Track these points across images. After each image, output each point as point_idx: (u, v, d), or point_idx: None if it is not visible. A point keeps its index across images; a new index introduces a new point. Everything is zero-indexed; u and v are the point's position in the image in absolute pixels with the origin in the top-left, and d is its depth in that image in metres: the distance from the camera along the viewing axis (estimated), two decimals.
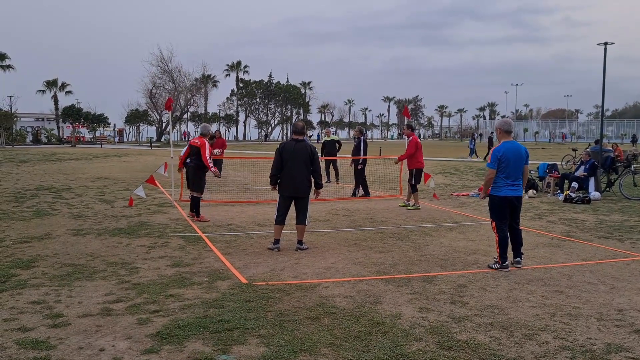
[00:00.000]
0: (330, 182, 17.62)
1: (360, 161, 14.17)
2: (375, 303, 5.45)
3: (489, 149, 31.07)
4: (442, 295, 5.74)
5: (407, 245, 8.22)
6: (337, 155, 17.90)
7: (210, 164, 10.33)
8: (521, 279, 6.41)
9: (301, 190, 7.77)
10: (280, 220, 7.84)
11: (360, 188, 14.29)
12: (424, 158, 12.56)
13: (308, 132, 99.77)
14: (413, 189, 12.17)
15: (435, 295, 5.74)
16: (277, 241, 7.82)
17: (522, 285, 6.15)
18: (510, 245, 6.94)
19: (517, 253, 6.98)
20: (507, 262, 6.79)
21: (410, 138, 12.43)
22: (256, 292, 5.78)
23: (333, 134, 19.83)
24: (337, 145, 17.79)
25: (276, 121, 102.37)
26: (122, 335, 4.57)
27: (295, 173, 7.70)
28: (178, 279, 6.29)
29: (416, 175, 12.20)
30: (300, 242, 7.88)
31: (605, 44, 16.83)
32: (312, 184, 7.91)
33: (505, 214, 6.85)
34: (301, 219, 7.85)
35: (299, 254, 7.61)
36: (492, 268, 6.80)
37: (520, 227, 7.14)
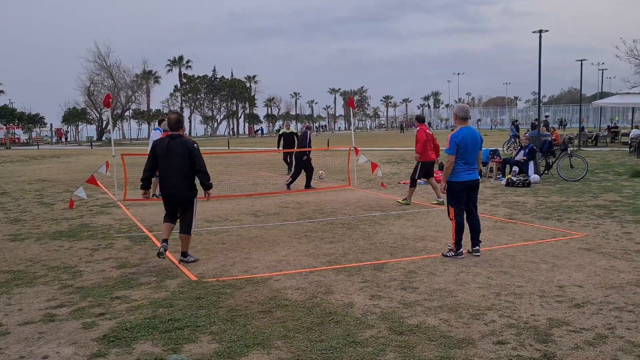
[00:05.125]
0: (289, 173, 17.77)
1: (306, 153, 14.24)
2: (327, 293, 5.47)
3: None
4: (393, 282, 5.83)
5: (356, 235, 8.29)
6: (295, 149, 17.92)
7: None
8: (468, 262, 6.58)
9: (178, 194, 6.69)
10: (166, 219, 6.86)
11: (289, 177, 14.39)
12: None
13: (255, 126, 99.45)
14: (414, 183, 11.42)
15: (386, 282, 5.82)
16: (164, 240, 6.68)
17: (469, 267, 6.32)
18: (469, 235, 6.90)
19: (476, 241, 6.90)
20: (461, 250, 6.79)
21: (419, 128, 11.32)
22: (206, 288, 5.69)
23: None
24: (295, 138, 17.75)
25: (222, 116, 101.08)
26: (66, 341, 4.40)
27: (170, 175, 6.63)
28: (124, 280, 6.11)
29: (421, 169, 11.31)
30: (184, 253, 6.84)
31: (540, 31, 17.42)
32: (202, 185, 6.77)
33: (463, 199, 6.85)
34: (184, 227, 6.78)
35: (249, 248, 7.54)
36: (446, 256, 6.77)
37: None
